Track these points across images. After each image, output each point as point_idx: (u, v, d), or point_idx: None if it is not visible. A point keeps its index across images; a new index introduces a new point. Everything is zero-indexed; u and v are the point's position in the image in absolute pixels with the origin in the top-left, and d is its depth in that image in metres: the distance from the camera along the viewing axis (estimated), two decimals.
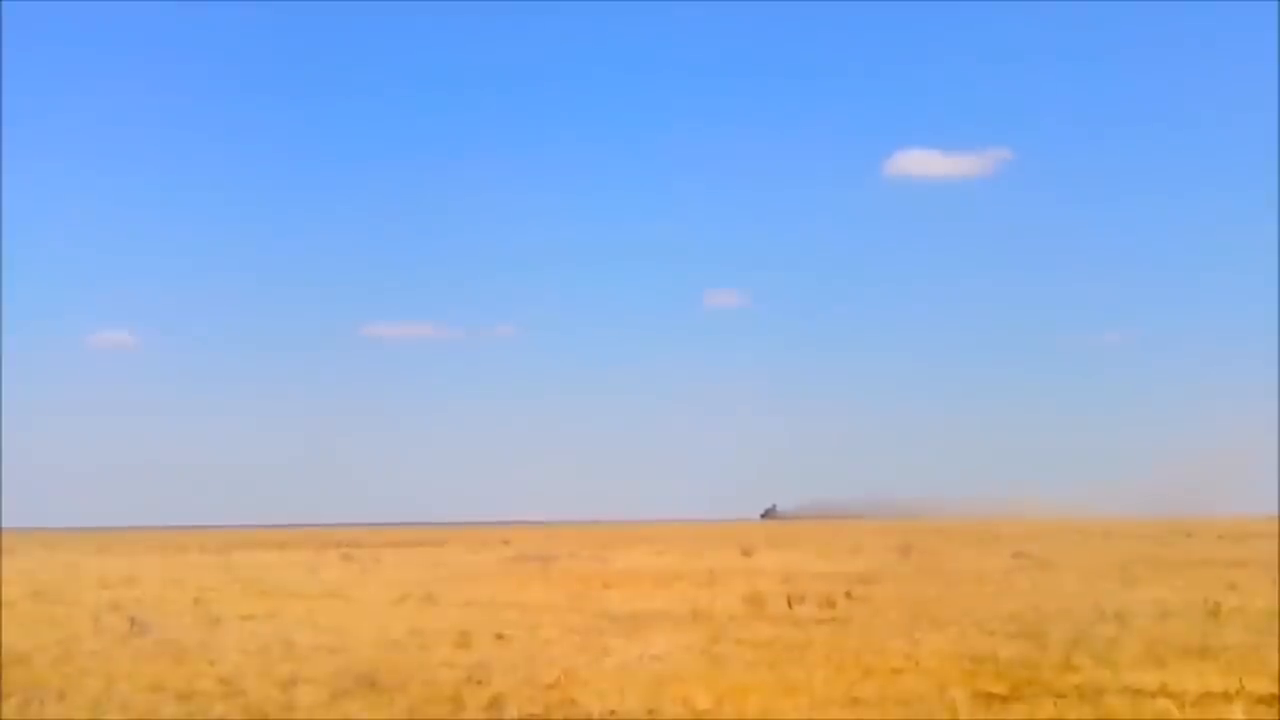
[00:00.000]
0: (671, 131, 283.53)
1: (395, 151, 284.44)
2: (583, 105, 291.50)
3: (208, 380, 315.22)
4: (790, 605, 27.91)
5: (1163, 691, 15.46)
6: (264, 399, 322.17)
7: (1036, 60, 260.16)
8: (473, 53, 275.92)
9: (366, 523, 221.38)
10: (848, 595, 30.27)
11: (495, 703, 15.27)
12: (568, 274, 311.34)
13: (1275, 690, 15.47)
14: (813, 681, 16.57)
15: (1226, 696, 15.02)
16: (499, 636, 22.56)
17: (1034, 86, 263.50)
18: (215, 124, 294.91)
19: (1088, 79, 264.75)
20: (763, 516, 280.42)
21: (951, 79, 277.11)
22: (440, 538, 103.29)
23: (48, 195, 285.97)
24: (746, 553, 60.54)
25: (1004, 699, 15.35)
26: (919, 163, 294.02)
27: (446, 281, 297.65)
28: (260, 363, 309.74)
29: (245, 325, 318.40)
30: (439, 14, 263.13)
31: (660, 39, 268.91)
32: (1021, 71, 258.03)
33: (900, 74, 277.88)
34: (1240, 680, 15.88)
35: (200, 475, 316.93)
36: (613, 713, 14.57)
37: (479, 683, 16.78)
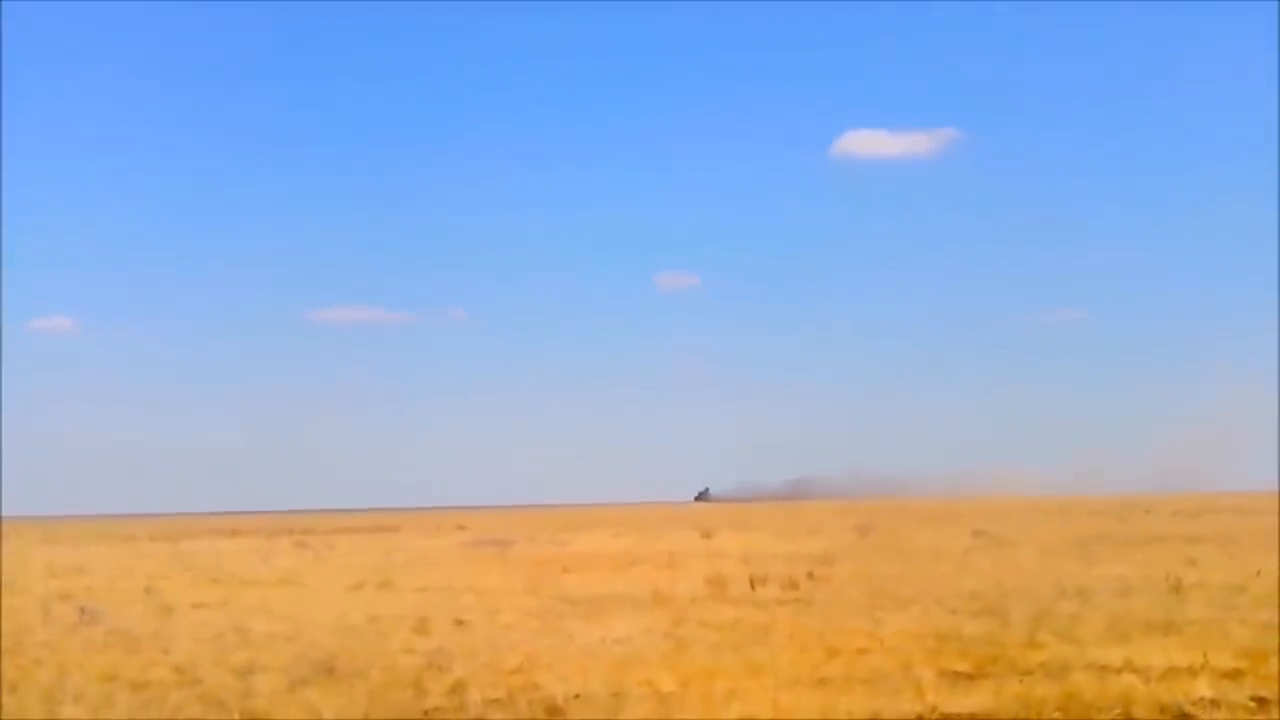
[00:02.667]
0: (620, 114, 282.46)
1: (345, 136, 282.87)
2: (532, 89, 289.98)
3: (155, 365, 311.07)
4: (753, 587, 27.96)
5: (1128, 667, 15.59)
6: (214, 385, 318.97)
7: (983, 38, 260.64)
8: (422, 39, 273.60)
9: (319, 509, 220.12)
10: (809, 576, 30.36)
11: (457, 688, 15.19)
12: (519, 257, 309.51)
13: (1239, 664, 15.66)
14: (778, 662, 16.60)
15: (1191, 671, 15.16)
16: (458, 622, 22.46)
17: (981, 65, 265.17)
18: (161, 108, 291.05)
19: (1035, 56, 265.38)
20: (696, 499, 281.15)
21: (899, 59, 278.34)
22: (394, 523, 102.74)
23: None
24: (706, 535, 60.68)
25: (970, 677, 15.45)
26: (867, 143, 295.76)
27: (397, 265, 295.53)
28: (209, 348, 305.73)
29: (193, 310, 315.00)
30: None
31: (608, 21, 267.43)
32: (969, 50, 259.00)
33: (847, 54, 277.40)
34: (1205, 655, 16.03)
35: (149, 462, 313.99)
36: (577, 696, 14.52)
37: (440, 669, 16.68)
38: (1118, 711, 13.28)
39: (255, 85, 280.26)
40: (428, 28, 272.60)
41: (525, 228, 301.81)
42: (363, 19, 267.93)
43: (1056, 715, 13.26)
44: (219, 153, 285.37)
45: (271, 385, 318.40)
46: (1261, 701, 13.64)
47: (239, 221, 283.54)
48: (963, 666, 16.09)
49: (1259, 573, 27.89)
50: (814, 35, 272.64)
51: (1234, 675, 15.04)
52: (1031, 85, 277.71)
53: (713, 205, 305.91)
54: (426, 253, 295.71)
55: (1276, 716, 13.16)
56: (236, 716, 13.65)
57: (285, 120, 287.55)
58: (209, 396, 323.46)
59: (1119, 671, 15.35)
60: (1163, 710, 13.32)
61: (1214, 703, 13.53)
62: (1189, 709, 13.29)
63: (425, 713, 13.81)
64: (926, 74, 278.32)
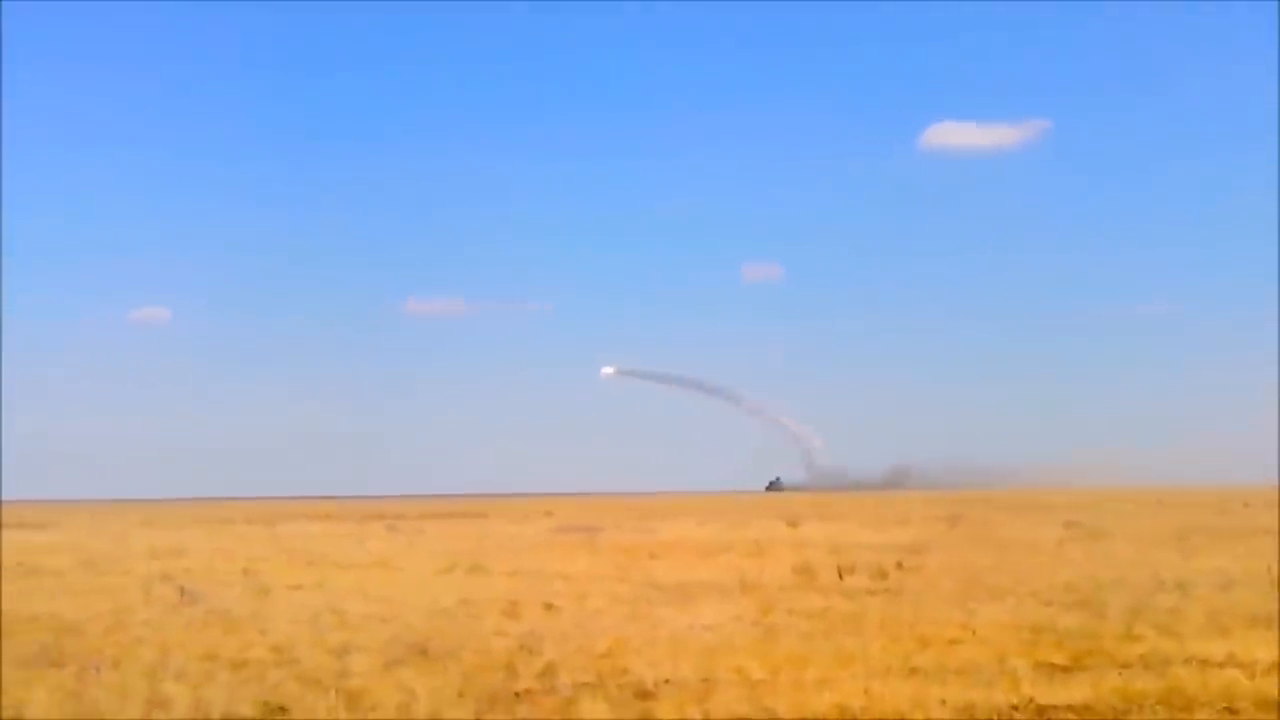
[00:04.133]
0: (709, 106, 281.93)
1: (435, 129, 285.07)
2: (619, 80, 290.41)
3: (249, 354, 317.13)
4: (841, 576, 27.77)
5: (1230, 661, 15.23)
6: (307, 373, 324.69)
7: (1075, 29, 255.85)
8: (503, 31, 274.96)
9: (408, 494, 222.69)
10: (899, 566, 30.10)
11: (548, 671, 15.26)
12: (604, 248, 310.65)
13: None
14: (869, 652, 16.44)
15: None
16: (548, 606, 22.57)
17: (1071, 56, 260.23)
18: (258, 107, 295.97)
19: (1127, 47, 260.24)
20: (768, 488, 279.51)
21: (987, 50, 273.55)
22: (482, 509, 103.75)
23: (93, 176, 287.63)
24: (791, 524, 60.36)
25: (1066, 669, 15.18)
26: (956, 134, 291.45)
27: (485, 257, 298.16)
28: (303, 339, 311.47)
29: (285, 301, 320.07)
30: None
31: (697, 13, 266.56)
32: (1059, 41, 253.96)
33: (936, 47, 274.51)
34: None
35: (246, 448, 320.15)
36: (666, 681, 14.50)
37: (531, 651, 16.78)
38: (1221, 706, 12.95)
39: (348, 82, 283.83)
40: (517, 18, 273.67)
41: (611, 218, 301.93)
42: (457, 12, 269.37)
43: (1158, 709, 12.97)
44: (312, 150, 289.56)
45: (364, 374, 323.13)
46: None
47: (334, 217, 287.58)
48: (1059, 659, 15.82)
49: None
50: (904, 26, 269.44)
51: None
52: (1120, 76, 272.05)
53: (800, 196, 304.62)
54: (512, 244, 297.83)
55: None
56: (333, 695, 13.81)
57: (376, 117, 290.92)
58: (302, 384, 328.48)
59: (1221, 666, 14.99)
60: (1268, 706, 12.97)
61: None
62: None
63: (517, 694, 13.89)
64: (1015, 65, 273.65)
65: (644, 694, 13.84)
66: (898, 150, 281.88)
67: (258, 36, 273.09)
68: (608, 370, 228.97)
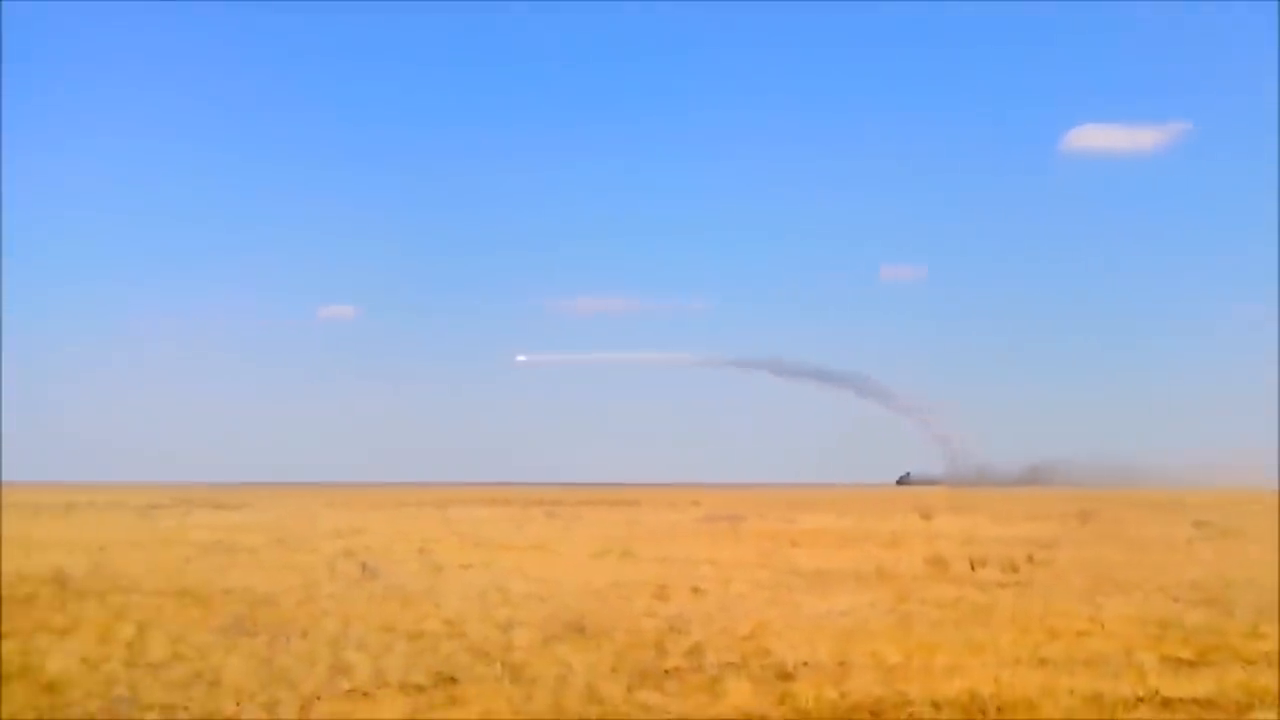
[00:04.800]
0: (851, 108, 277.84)
1: (594, 123, 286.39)
2: (762, 80, 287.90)
3: (427, 351, 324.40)
4: (973, 568, 27.31)
5: None
6: (479, 370, 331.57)
7: (1216, 29, 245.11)
8: (662, 23, 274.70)
9: (567, 483, 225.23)
10: (1029, 559, 29.44)
11: (695, 651, 15.39)
12: (757, 247, 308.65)
13: None
14: (999, 642, 16.19)
15: None
16: (695, 590, 22.71)
17: (1213, 57, 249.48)
18: (435, 110, 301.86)
19: (1268, 47, 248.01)
20: (898, 483, 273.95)
21: (1130, 52, 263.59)
22: (634, 498, 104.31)
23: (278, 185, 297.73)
24: (925, 516, 59.43)
25: (1191, 664, 14.73)
26: (1098, 137, 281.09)
27: (639, 256, 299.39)
28: (477, 335, 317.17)
29: (462, 300, 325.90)
30: None
31: (840, 18, 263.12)
32: (1201, 40, 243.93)
33: (1078, 49, 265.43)
34: None
35: (421, 437, 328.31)
36: (805, 664, 14.51)
37: (679, 632, 16.94)
38: None
39: (517, 79, 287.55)
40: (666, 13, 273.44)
41: (762, 217, 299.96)
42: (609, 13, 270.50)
43: None
44: (487, 151, 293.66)
45: (537, 370, 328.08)
46: None
47: (497, 214, 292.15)
48: (1185, 653, 15.35)
49: None
50: (1048, 29, 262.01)
51: None
52: (1261, 76, 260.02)
53: (940, 198, 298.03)
54: (666, 244, 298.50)
55: None
56: (499, 667, 14.16)
57: (553, 117, 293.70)
58: (475, 379, 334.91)
59: None
60: None
61: None
62: None
63: (666, 671, 14.04)
64: (1156, 67, 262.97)
65: (784, 675, 13.88)
66: (1041, 152, 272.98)
67: (430, 35, 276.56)
68: (521, 359, 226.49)
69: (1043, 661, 14.85)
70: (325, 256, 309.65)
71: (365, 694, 12.78)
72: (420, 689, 13.07)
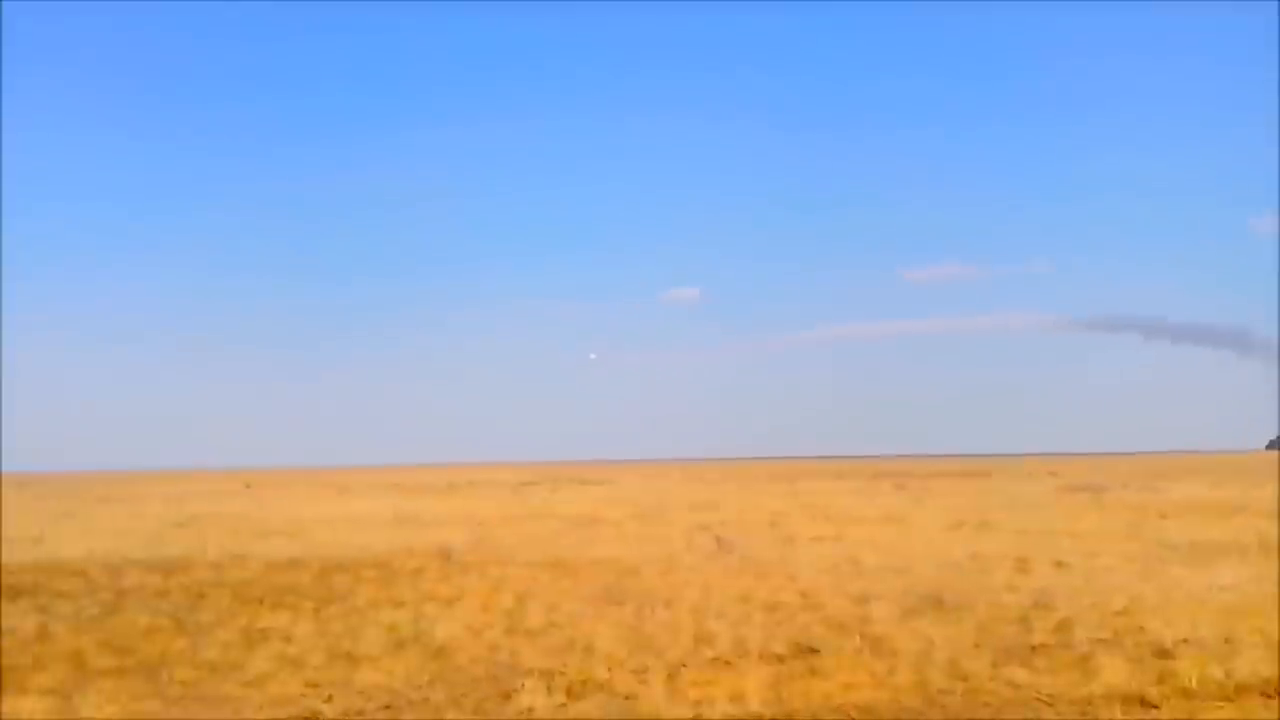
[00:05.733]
0: (1216, 62, 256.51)
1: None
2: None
3: (769, 328, 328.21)
4: None
5: None
6: (818, 340, 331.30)
7: None
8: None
9: (912, 454, 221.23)
10: None
11: (1063, 626, 14.64)
12: (1103, 206, 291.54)
13: None
14: None
15: None
16: (1058, 563, 21.65)
17: None
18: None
19: None
20: (1268, 447, 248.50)
21: None
22: (984, 469, 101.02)
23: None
24: None
25: None
26: None
27: (986, 221, 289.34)
28: (823, 305, 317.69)
29: (802, 275, 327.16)
30: None
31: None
32: None
33: None
34: None
35: (770, 410, 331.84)
36: (1185, 641, 13.49)
37: (1044, 607, 16.17)
38: None
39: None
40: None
41: (1108, 175, 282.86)
42: None
43: None
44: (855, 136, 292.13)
45: (869, 340, 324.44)
46: None
47: (833, 190, 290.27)
48: None
49: None
50: None
51: None
52: None
53: None
54: (1014, 206, 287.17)
55: None
56: (858, 639, 13.99)
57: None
58: (810, 349, 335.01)
59: None
60: None
61: None
62: None
63: (1032, 648, 13.42)
64: None
65: (1162, 652, 12.96)
66: None
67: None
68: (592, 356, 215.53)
69: None
70: (670, 241, 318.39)
71: (727, 662, 12.89)
72: (780, 659, 13.05)
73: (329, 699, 11.30)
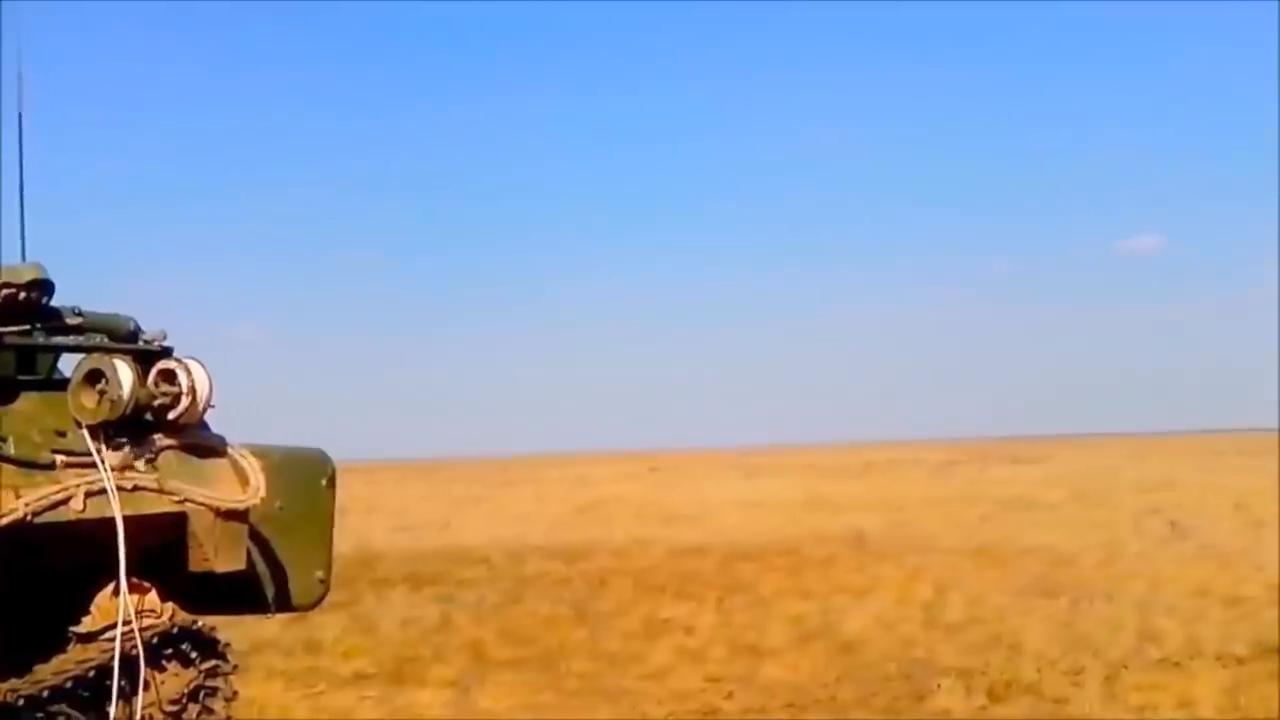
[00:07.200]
0: None
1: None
2: None
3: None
4: None
5: None
6: None
7: None
8: None
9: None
10: None
11: None
12: None
13: None
14: None
15: None
16: None
17: None
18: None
19: None
20: None
21: None
22: None
23: None
24: None
25: None
26: None
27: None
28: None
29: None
30: None
31: None
32: None
33: None
34: None
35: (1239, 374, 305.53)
36: None
37: None
38: None
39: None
40: None
41: None
42: None
43: None
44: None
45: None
46: None
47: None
48: None
49: None
50: None
51: None
52: None
53: None
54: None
55: None
56: None
57: None
58: None
59: None
60: None
61: None
62: None
63: None
64: None
65: None
66: None
67: None
68: None
69: None
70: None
71: (1176, 664, 11.52)
72: (1239, 661, 11.53)
73: (729, 695, 10.98)
